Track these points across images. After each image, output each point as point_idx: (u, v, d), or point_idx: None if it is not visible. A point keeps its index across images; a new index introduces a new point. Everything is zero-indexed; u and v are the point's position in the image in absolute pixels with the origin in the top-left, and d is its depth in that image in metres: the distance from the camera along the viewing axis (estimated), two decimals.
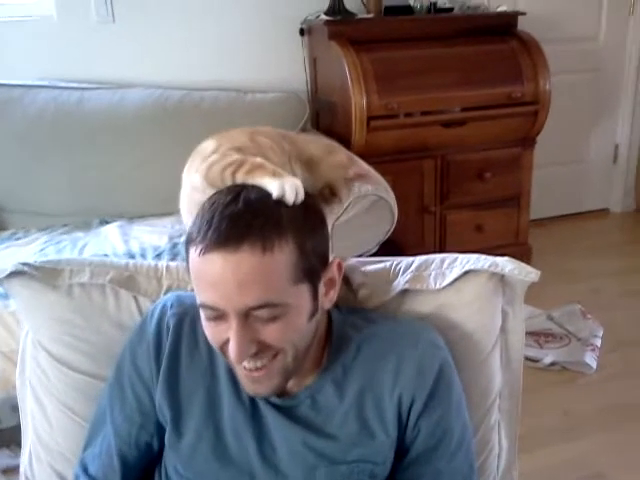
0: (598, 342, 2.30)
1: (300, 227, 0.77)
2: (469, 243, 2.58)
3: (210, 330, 0.80)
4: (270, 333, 0.77)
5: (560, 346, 2.30)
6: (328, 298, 0.85)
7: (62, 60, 2.51)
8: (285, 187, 0.76)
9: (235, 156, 0.80)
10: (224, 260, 0.73)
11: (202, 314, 0.79)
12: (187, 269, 0.80)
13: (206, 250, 0.74)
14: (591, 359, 2.20)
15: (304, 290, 0.78)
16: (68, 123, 2.26)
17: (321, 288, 0.82)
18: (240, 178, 0.78)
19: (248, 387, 0.83)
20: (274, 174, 0.77)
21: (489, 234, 2.76)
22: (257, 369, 0.79)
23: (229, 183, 0.79)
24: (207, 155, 0.84)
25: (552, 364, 2.20)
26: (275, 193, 0.76)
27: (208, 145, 0.86)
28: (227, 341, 0.77)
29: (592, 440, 1.85)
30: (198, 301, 0.78)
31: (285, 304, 0.76)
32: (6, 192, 2.28)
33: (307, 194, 0.80)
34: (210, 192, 0.80)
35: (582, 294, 2.63)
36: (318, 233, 0.81)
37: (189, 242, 0.77)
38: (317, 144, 0.87)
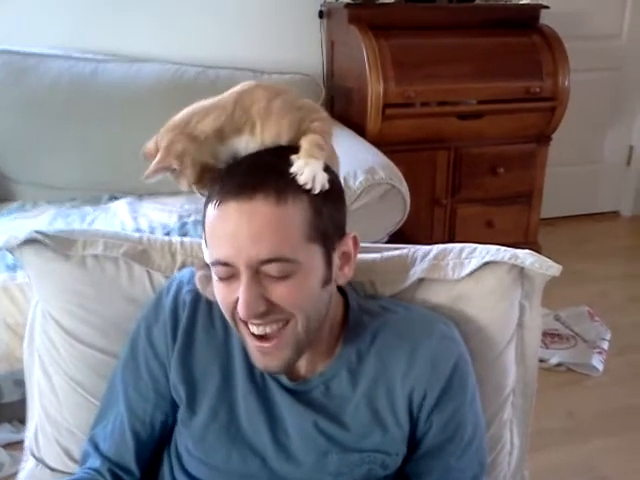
0: (605, 345, 2.28)
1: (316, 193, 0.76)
2: (478, 238, 2.47)
3: (221, 291, 0.78)
4: (280, 292, 0.75)
5: (566, 347, 2.28)
6: (343, 273, 0.83)
7: (77, 30, 2.47)
8: (317, 176, 0.75)
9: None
10: (239, 210, 0.73)
11: (214, 276, 0.78)
12: (202, 231, 0.79)
13: (222, 200, 0.74)
14: (598, 362, 2.18)
15: (316, 251, 0.77)
16: (82, 95, 2.23)
17: (335, 259, 0.81)
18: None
19: (259, 361, 0.80)
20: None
21: (499, 230, 2.72)
22: (267, 338, 0.77)
23: None
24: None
25: (558, 365, 2.18)
26: (303, 181, 0.74)
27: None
28: (237, 301, 0.75)
29: (596, 443, 1.83)
30: (211, 260, 0.77)
31: (296, 261, 0.74)
32: (16, 163, 2.25)
33: (329, 169, 0.79)
34: None
35: (590, 296, 2.60)
36: (335, 202, 0.80)
37: (208, 202, 0.77)
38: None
